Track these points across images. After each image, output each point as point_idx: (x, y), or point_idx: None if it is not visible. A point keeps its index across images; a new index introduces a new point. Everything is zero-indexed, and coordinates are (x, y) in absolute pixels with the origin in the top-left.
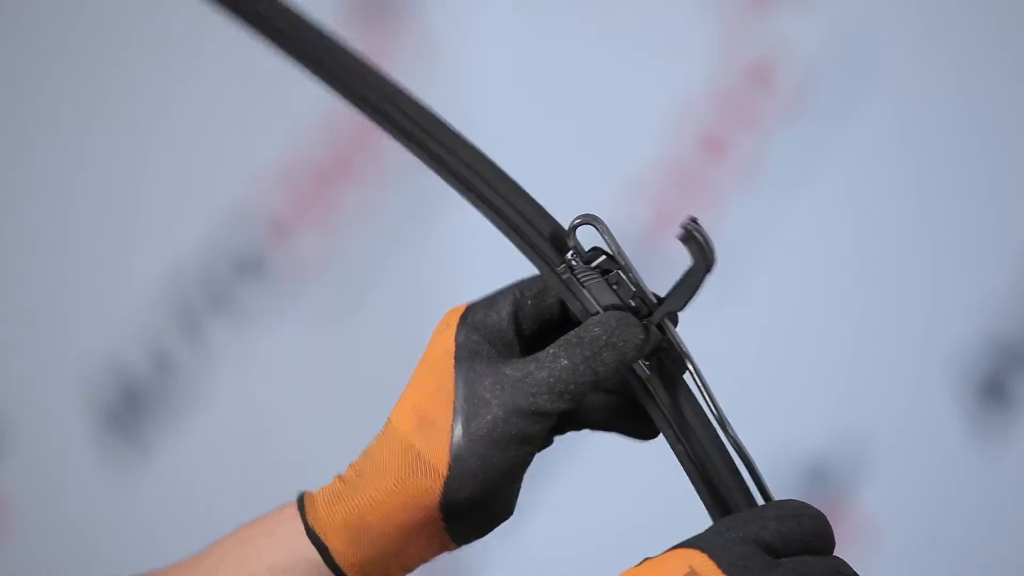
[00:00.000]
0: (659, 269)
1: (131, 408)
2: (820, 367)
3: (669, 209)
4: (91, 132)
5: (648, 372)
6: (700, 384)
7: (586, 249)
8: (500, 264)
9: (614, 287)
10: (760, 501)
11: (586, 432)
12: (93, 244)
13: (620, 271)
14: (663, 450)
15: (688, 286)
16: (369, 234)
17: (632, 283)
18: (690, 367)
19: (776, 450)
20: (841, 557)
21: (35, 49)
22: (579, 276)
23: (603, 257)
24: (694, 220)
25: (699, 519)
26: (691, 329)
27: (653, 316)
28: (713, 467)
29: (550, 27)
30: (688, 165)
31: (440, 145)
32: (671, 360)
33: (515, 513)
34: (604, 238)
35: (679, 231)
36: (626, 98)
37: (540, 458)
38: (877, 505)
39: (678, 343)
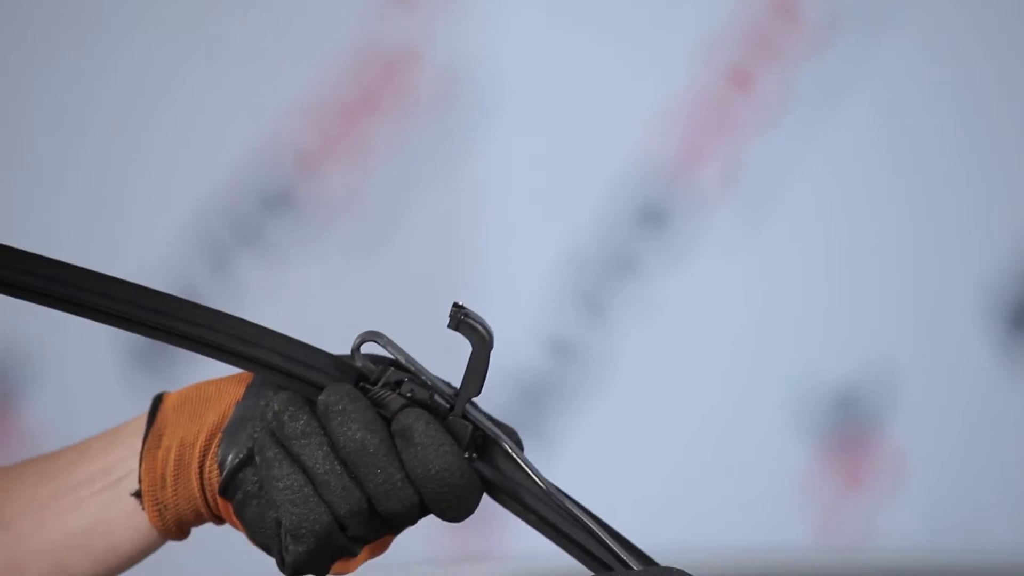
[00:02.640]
0: (689, 203)
1: (156, 350)
2: (849, 298)
3: (697, 142)
4: (117, 70)
5: (473, 459)
6: (518, 457)
7: (385, 361)
8: (528, 195)
9: (408, 396)
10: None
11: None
12: (121, 180)
13: (410, 379)
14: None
15: (476, 368)
16: (397, 168)
17: (426, 386)
18: (504, 446)
19: (805, 381)
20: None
21: None
22: (372, 398)
23: (391, 370)
24: (458, 305)
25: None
26: (720, 263)
27: (455, 409)
28: (567, 525)
29: None
30: (715, 98)
31: (195, 326)
32: (490, 442)
33: (546, 443)
34: (388, 350)
35: (448, 321)
36: (652, 32)
37: (566, 385)
38: (906, 435)
39: (487, 427)
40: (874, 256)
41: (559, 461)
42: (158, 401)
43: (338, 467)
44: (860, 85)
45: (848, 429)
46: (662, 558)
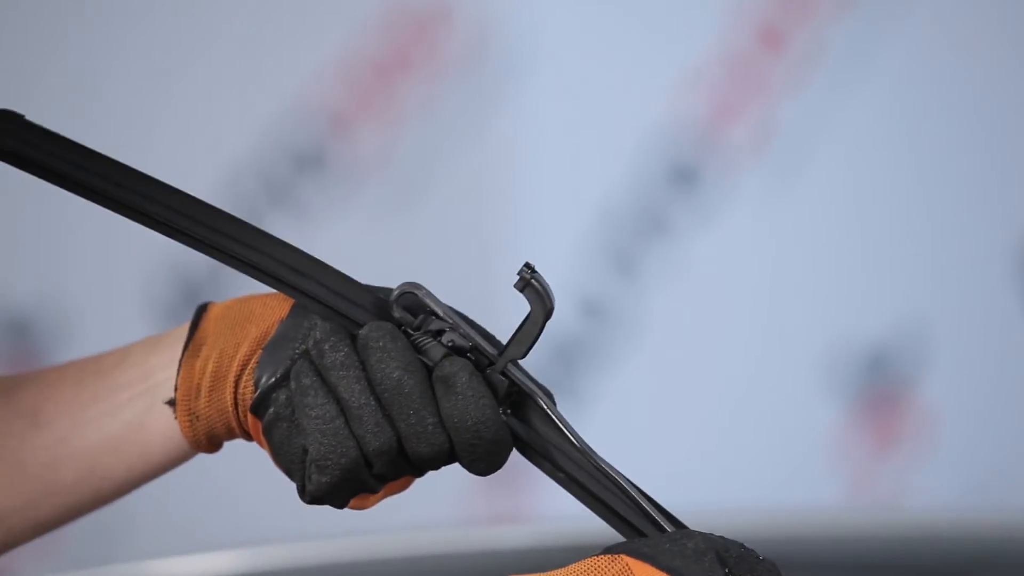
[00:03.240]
0: (720, 163)
1: (193, 305)
2: (880, 257)
3: (727, 102)
4: (148, 32)
5: (506, 416)
6: (555, 416)
7: (424, 312)
8: (559, 155)
9: (448, 345)
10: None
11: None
12: (153, 141)
13: (451, 329)
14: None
15: (528, 333)
16: (428, 127)
17: (467, 338)
18: (541, 404)
19: (836, 341)
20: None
21: None
22: (413, 343)
23: (433, 319)
24: (530, 267)
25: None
26: (751, 222)
27: (496, 366)
28: (597, 486)
29: None
30: (746, 58)
31: (252, 250)
32: (526, 400)
33: (576, 402)
34: (427, 302)
35: (516, 280)
36: None
37: (597, 345)
38: (938, 394)
39: (525, 385)
40: (906, 214)
41: (590, 420)
42: (202, 310)
43: (373, 402)
44: (891, 43)
45: (879, 389)
46: (692, 517)
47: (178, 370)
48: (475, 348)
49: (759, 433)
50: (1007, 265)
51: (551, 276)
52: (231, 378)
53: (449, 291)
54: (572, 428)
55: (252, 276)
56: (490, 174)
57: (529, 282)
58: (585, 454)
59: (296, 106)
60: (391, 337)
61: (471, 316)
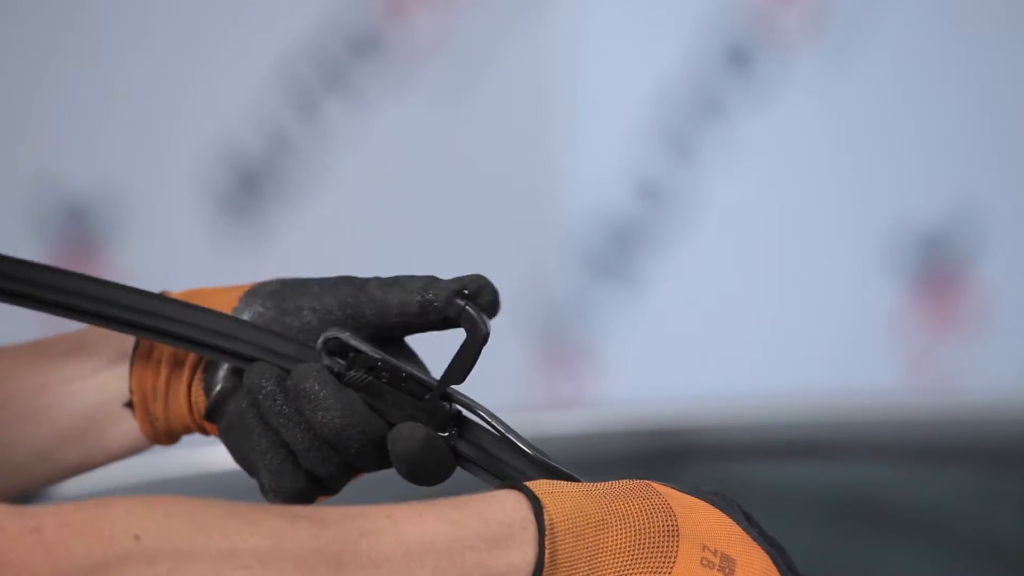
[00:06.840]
0: (776, 44)
1: (248, 190)
2: (937, 139)
3: None
4: None
5: (453, 439)
6: (502, 428)
7: (353, 352)
8: (615, 37)
9: (384, 379)
10: None
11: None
12: (210, 25)
13: (381, 364)
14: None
15: (465, 359)
16: (484, 10)
17: (400, 369)
18: (485, 420)
19: (894, 222)
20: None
21: None
22: (349, 381)
23: (360, 356)
24: (464, 295)
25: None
26: (806, 105)
27: (434, 392)
28: None
29: None
30: None
31: (174, 322)
32: (469, 420)
33: (633, 286)
34: (352, 343)
35: (452, 308)
36: None
37: (654, 228)
38: (996, 274)
39: (469, 404)
40: (964, 96)
41: (646, 304)
42: None
43: (317, 444)
44: None
45: (938, 270)
46: (750, 400)
47: (130, 371)
48: (410, 377)
49: (816, 315)
50: None
51: (608, 159)
52: (184, 385)
53: (505, 175)
54: (522, 437)
55: (179, 347)
56: (547, 57)
57: (463, 309)
58: (538, 461)
59: None
60: (317, 382)
61: (526, 199)
